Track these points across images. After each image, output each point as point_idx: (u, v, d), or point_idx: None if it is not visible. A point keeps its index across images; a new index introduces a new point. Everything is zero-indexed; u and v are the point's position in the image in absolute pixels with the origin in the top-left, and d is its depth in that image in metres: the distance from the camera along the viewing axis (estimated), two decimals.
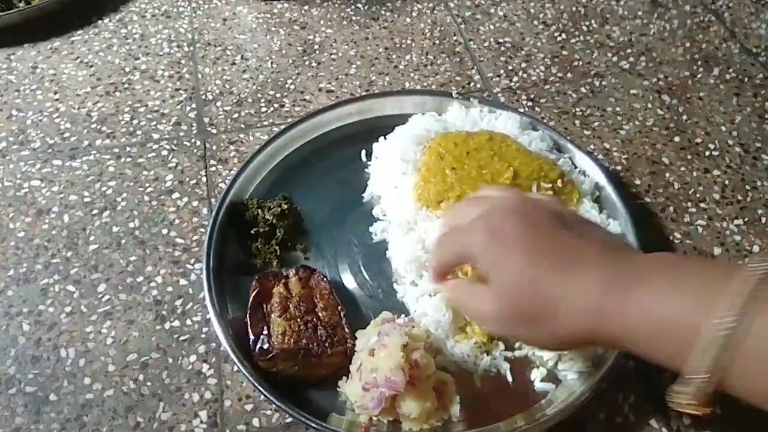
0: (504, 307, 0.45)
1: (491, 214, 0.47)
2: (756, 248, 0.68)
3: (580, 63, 0.89)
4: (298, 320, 0.57)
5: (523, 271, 0.44)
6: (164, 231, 0.69)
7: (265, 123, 0.81)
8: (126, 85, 0.86)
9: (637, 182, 0.74)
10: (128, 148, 0.78)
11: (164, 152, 0.77)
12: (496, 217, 0.46)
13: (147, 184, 0.74)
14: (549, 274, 0.43)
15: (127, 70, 0.88)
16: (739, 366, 0.34)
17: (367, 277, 0.64)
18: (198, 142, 0.78)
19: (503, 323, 0.47)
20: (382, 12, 0.97)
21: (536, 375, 0.57)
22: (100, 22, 0.96)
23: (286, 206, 0.67)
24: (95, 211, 0.71)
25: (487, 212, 0.47)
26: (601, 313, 0.41)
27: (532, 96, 0.84)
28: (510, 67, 0.88)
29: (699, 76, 0.87)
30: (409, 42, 0.92)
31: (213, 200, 0.72)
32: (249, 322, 0.57)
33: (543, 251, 0.44)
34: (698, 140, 0.79)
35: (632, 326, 0.41)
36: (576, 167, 0.70)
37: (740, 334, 0.33)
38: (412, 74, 0.87)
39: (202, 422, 0.56)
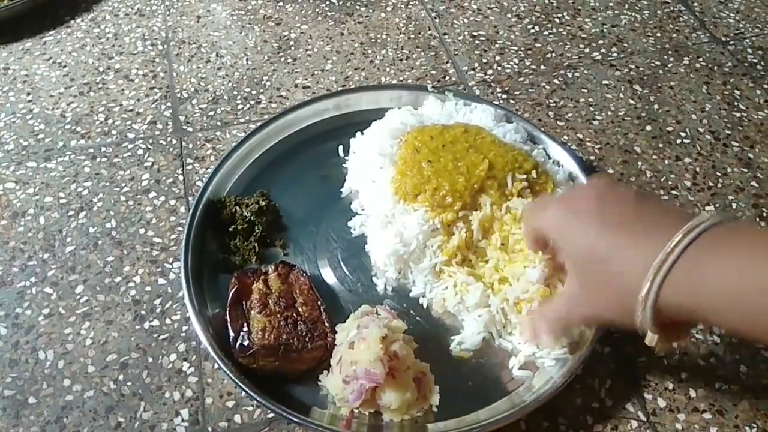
0: (579, 279, 0.49)
1: (571, 194, 0.52)
2: None
3: (553, 55, 0.90)
4: (278, 316, 0.58)
5: (593, 241, 0.46)
6: (141, 230, 0.69)
7: (242, 120, 0.81)
8: (100, 85, 0.85)
9: (610, 171, 0.75)
10: (103, 148, 0.77)
11: (140, 151, 0.77)
12: (574, 196, 0.51)
13: (123, 184, 0.73)
14: (614, 240, 0.45)
15: (100, 69, 0.88)
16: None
17: (347, 272, 0.65)
18: (174, 141, 0.78)
19: (583, 301, 0.49)
20: (357, 7, 0.97)
21: (514, 363, 0.58)
22: (72, 21, 0.95)
23: (264, 203, 0.67)
24: (71, 213, 0.71)
25: (567, 193, 0.54)
26: (661, 278, 0.42)
27: (506, 88, 0.85)
28: (484, 60, 0.89)
29: (669, 65, 0.88)
30: (384, 37, 0.92)
31: (190, 198, 0.72)
32: (228, 319, 0.57)
33: (610, 220, 0.46)
34: (669, 129, 0.80)
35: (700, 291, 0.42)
36: (550, 158, 0.71)
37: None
38: (387, 69, 0.87)
39: (183, 420, 0.56)
